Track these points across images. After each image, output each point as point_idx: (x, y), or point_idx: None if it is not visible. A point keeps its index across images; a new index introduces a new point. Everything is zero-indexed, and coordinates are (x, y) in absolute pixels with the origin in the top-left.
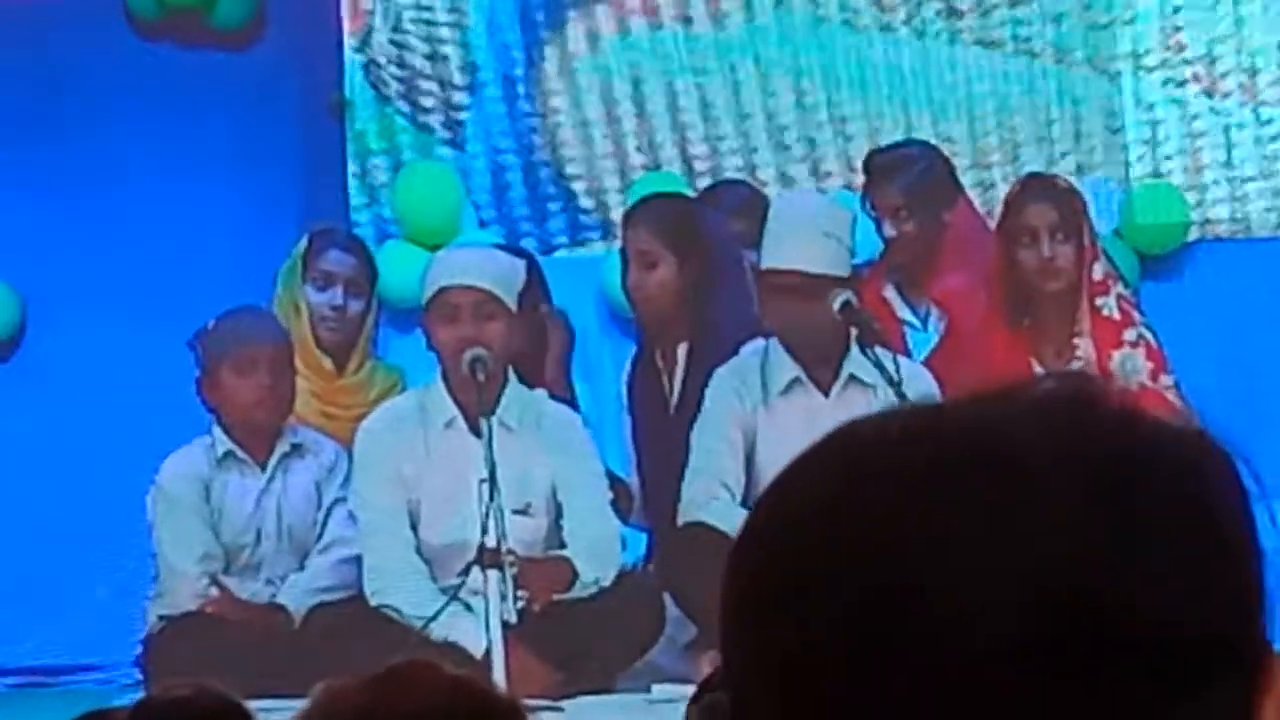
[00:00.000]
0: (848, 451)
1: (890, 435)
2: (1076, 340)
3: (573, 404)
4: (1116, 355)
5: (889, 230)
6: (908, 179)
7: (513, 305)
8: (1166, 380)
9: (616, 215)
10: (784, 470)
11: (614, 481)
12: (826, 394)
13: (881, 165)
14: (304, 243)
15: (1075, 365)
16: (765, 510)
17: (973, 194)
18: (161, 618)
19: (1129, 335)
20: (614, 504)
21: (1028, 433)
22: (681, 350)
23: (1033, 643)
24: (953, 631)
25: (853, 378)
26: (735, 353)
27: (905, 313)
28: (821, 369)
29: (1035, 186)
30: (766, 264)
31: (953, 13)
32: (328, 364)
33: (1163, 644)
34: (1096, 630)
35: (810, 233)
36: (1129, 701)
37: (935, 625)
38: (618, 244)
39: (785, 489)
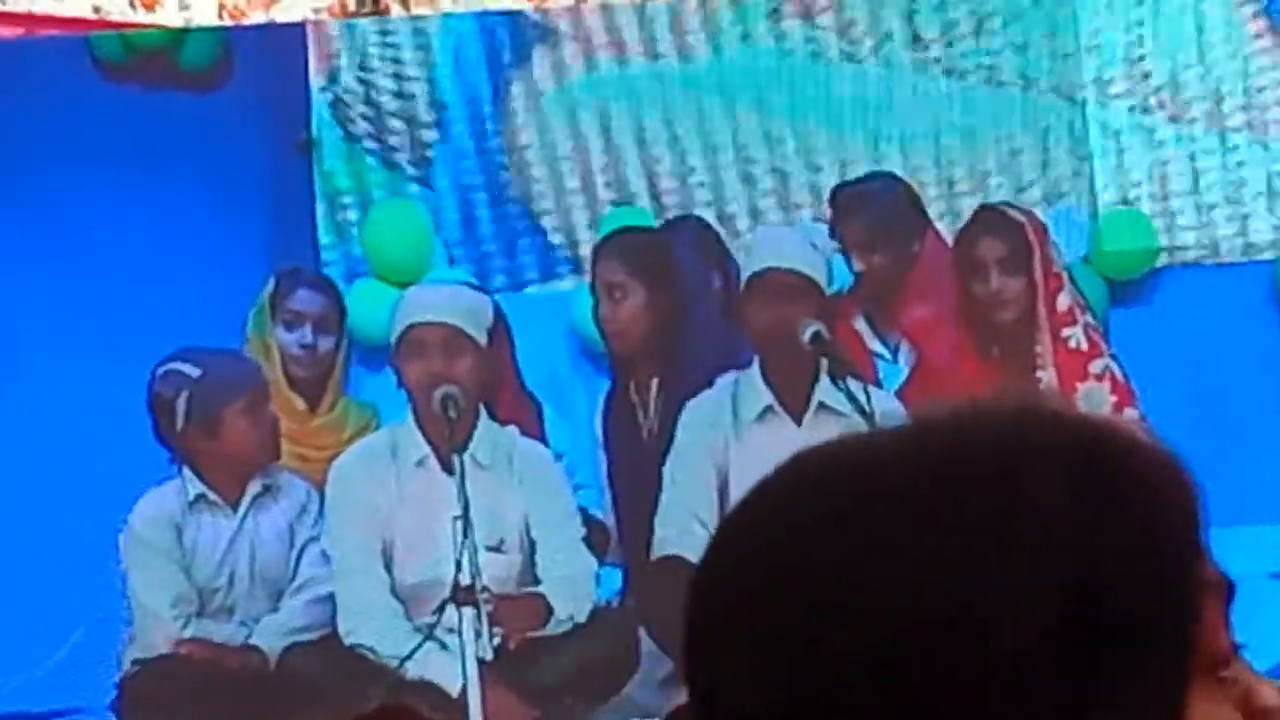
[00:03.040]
0: (831, 480)
1: (873, 462)
2: (1040, 374)
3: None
4: (1081, 388)
5: (858, 264)
6: (874, 212)
7: (482, 341)
8: (1131, 414)
9: (586, 250)
10: (750, 502)
11: (589, 520)
12: (799, 422)
13: (847, 199)
14: (271, 284)
15: None
16: (739, 547)
17: (941, 224)
18: (135, 661)
19: (1095, 367)
20: (589, 542)
21: (1001, 447)
22: (655, 384)
23: (1040, 643)
24: (970, 643)
25: (824, 405)
26: (709, 385)
27: (875, 344)
28: (794, 396)
29: (985, 219)
30: (756, 267)
31: (919, 43)
32: (300, 404)
33: (1129, 626)
34: (1085, 618)
35: (799, 241)
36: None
37: (954, 639)
38: (588, 279)
39: (758, 523)
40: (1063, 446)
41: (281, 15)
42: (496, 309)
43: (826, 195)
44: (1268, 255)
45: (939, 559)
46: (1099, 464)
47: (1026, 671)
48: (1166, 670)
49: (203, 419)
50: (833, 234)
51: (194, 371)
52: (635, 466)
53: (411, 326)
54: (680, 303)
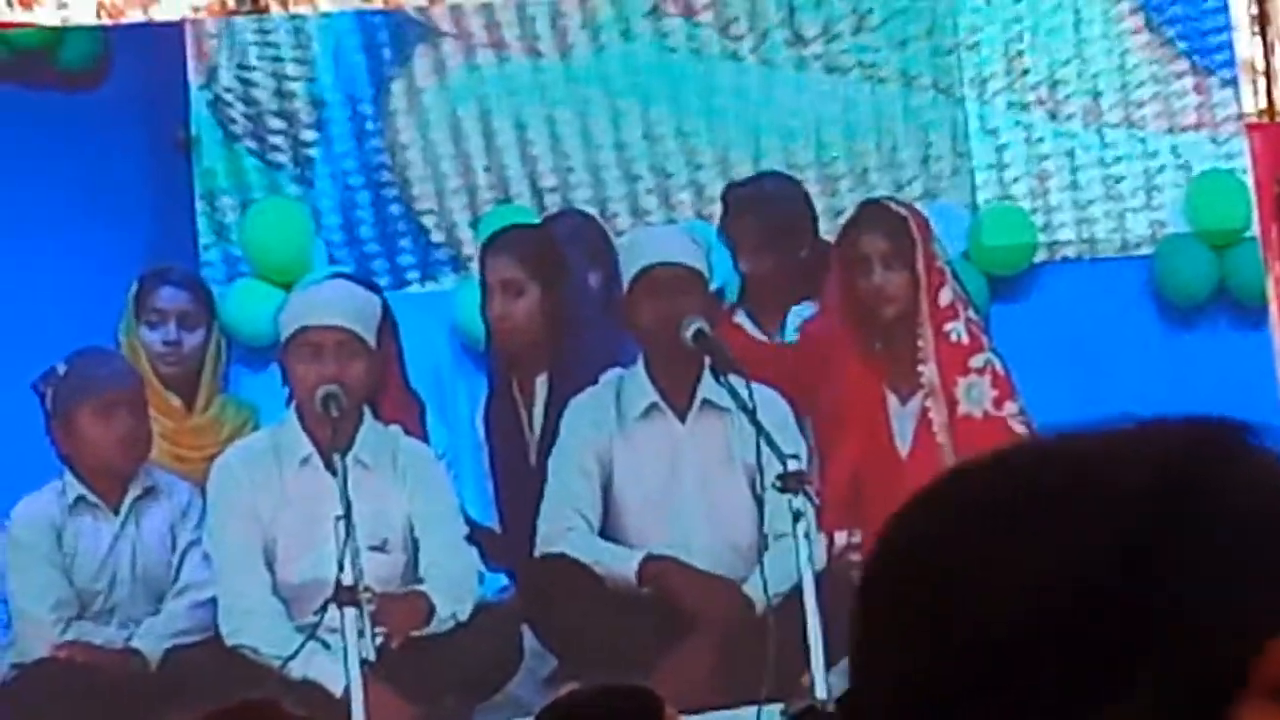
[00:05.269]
0: (957, 485)
1: (996, 469)
2: (921, 367)
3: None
4: (962, 382)
5: (746, 265)
6: (767, 213)
7: (373, 343)
8: (1011, 407)
9: (468, 248)
10: (906, 505)
11: (474, 526)
12: (683, 419)
13: (739, 199)
14: (135, 286)
15: (920, 392)
16: (893, 538)
17: (822, 220)
18: (14, 665)
19: (975, 362)
20: (471, 540)
21: (1116, 457)
22: (541, 381)
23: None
24: (1001, 612)
25: (707, 402)
26: (594, 382)
27: (757, 334)
28: (678, 392)
29: (869, 214)
30: (641, 263)
31: (799, 40)
32: (176, 402)
33: (1165, 628)
34: (1121, 606)
35: (682, 236)
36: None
37: (988, 607)
38: (469, 277)
39: (906, 523)
40: (1166, 449)
41: (160, 13)
42: (385, 307)
43: (709, 192)
44: (1145, 250)
45: (1014, 545)
46: (1196, 468)
47: (1039, 650)
48: (1205, 682)
49: (62, 417)
50: (722, 233)
51: (62, 369)
52: (519, 464)
53: (305, 329)
54: (570, 300)
